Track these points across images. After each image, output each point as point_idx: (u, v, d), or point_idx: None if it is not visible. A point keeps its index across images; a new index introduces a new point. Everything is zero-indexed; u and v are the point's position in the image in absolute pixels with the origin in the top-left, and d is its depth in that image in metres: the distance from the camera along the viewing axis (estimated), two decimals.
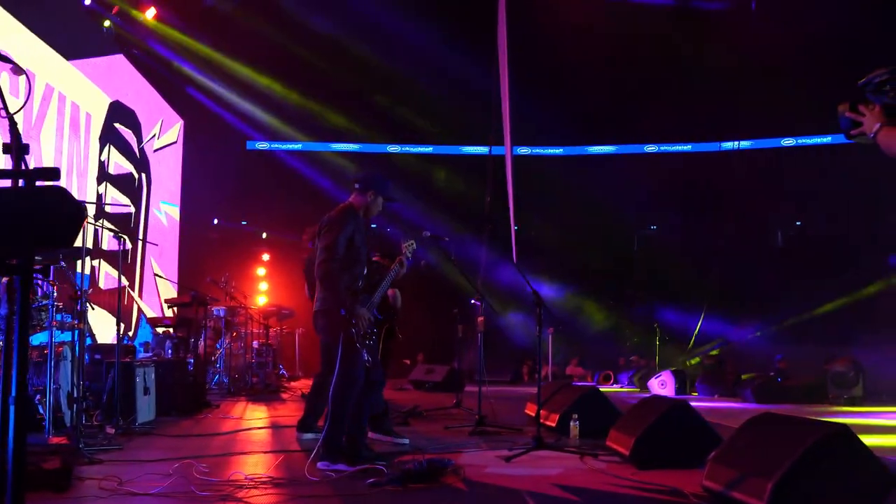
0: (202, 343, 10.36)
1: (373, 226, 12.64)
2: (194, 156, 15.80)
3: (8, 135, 2.32)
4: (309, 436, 6.21)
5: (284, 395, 11.38)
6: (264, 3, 14.31)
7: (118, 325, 6.69)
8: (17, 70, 2.87)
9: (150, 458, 5.25)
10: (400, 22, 14.02)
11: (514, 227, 12.43)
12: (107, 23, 12.35)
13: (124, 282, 9.46)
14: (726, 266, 14.41)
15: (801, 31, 12.69)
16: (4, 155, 2.30)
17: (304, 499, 4.16)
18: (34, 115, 9.43)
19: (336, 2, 14.42)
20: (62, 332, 6.20)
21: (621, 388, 14.91)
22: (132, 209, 13.14)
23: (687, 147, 17.19)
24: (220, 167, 15.51)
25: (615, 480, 4.74)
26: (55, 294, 5.93)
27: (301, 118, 16.54)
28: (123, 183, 12.73)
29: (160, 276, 14.12)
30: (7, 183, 2.21)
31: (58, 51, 10.29)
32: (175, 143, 15.51)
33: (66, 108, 10.50)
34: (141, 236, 13.31)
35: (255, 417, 8.28)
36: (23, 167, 2.27)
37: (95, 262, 10.97)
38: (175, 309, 10.81)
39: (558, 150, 17.85)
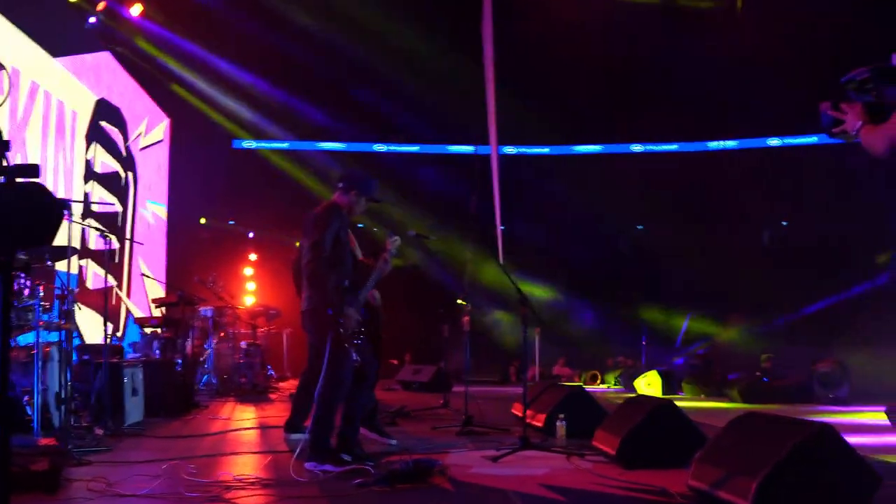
0: (190, 343, 10.32)
1: (359, 226, 12.60)
2: (181, 154, 15.71)
3: None
4: (296, 436, 6.18)
5: (273, 396, 11.35)
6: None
7: (105, 325, 6.66)
8: None
9: (138, 460, 5.24)
10: (386, 18, 13.98)
11: (500, 227, 12.44)
12: (91, 18, 12.23)
13: (112, 281, 9.40)
14: (713, 266, 14.44)
15: (787, 32, 12.75)
16: None
17: (292, 499, 4.16)
18: (19, 112, 9.36)
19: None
20: (49, 333, 6.16)
21: (608, 387, 14.97)
22: (119, 208, 13.05)
23: (674, 147, 17.25)
24: (206, 165, 15.41)
25: (601, 480, 4.74)
26: (42, 294, 5.89)
27: (287, 116, 16.46)
28: (110, 182, 12.64)
29: (147, 276, 14.04)
30: None
31: (43, 47, 10.19)
32: (161, 141, 15.43)
33: (51, 106, 10.42)
34: (128, 236, 13.23)
35: (243, 418, 8.26)
36: (3, 164, 2.25)
37: (83, 262, 10.90)
38: (163, 309, 10.75)
39: (545, 150, 17.87)
